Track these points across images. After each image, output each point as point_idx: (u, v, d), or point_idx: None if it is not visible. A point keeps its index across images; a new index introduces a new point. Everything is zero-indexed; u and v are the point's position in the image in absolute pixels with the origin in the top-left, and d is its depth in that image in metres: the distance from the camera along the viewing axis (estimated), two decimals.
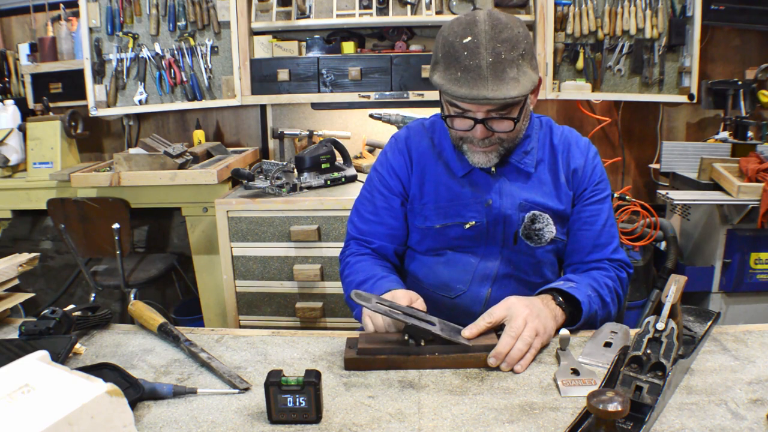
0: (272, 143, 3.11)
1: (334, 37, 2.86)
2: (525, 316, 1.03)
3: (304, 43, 2.86)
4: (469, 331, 1.03)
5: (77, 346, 1.07)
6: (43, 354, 0.73)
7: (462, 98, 1.11)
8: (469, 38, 1.10)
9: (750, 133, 2.57)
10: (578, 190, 1.32)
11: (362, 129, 2.96)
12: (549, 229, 1.29)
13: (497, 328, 1.06)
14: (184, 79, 2.89)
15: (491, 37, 1.10)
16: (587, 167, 1.32)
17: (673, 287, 0.90)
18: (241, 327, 2.46)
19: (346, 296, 1.33)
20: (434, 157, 1.34)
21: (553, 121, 1.39)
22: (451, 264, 1.33)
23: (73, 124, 2.88)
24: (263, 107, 3.10)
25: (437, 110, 1.33)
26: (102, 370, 0.96)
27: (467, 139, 1.22)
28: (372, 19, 2.73)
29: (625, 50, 2.76)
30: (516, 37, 1.12)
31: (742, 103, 2.68)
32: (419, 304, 1.12)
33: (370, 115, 2.70)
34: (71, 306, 1.16)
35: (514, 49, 1.10)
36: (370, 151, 2.92)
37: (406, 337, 1.00)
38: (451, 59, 1.12)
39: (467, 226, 1.30)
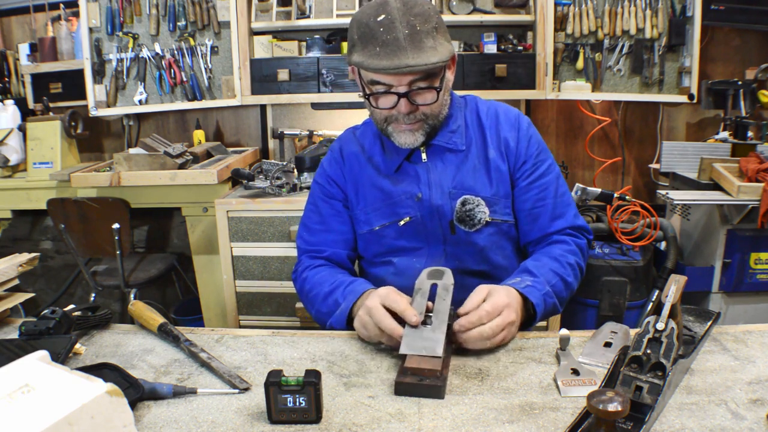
0: (272, 143, 3.11)
1: (334, 37, 2.86)
2: (505, 304, 1.04)
3: (304, 43, 2.86)
4: (465, 310, 1.03)
5: (77, 346, 1.07)
6: (43, 354, 0.73)
7: (384, 70, 1.11)
8: (383, 16, 1.12)
9: (750, 133, 2.57)
10: (517, 164, 1.31)
11: None
12: (480, 209, 1.27)
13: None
14: (184, 79, 2.89)
15: (404, 12, 1.12)
16: (521, 139, 1.31)
17: (673, 287, 0.90)
18: (241, 327, 2.46)
19: (314, 313, 1.28)
20: (365, 161, 1.35)
21: (479, 98, 1.38)
22: (399, 273, 1.33)
23: (73, 124, 2.88)
24: (263, 107, 3.10)
25: None
26: (102, 370, 0.96)
27: (392, 118, 1.21)
28: None
29: (625, 50, 2.76)
30: (427, 11, 1.15)
31: (742, 103, 2.68)
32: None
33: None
34: (71, 306, 1.16)
35: (427, 22, 1.14)
36: None
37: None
38: (369, 37, 1.13)
39: (402, 223, 1.30)
